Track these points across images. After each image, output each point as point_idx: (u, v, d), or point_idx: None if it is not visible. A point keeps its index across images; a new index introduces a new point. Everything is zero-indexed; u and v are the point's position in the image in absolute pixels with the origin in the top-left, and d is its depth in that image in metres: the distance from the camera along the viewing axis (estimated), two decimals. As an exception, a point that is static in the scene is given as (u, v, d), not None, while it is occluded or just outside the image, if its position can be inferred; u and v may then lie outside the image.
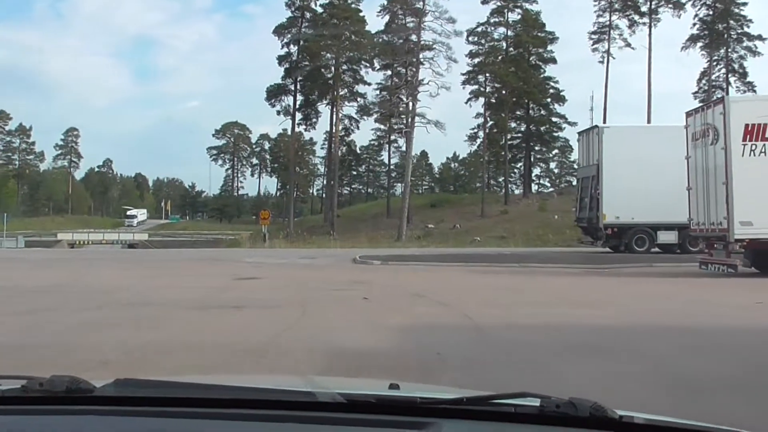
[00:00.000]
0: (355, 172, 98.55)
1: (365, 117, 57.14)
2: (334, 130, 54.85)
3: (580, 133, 28.40)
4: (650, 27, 52.79)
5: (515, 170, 68.89)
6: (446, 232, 48.67)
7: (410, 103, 47.95)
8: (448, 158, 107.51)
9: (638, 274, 18.97)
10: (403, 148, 61.71)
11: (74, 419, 1.42)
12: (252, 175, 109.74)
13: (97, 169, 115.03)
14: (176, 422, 1.40)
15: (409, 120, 47.83)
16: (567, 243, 39.54)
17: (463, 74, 55.05)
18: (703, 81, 55.21)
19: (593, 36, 56.67)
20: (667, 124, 23.41)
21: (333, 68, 54.60)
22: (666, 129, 22.50)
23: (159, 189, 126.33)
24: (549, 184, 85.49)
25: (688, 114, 18.06)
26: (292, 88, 54.79)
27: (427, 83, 46.21)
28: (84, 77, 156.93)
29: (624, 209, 24.13)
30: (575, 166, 40.49)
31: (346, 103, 56.56)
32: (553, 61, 59.29)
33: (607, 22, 55.15)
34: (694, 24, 54.47)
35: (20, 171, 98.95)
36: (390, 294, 12.93)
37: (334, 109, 54.41)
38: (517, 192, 66.90)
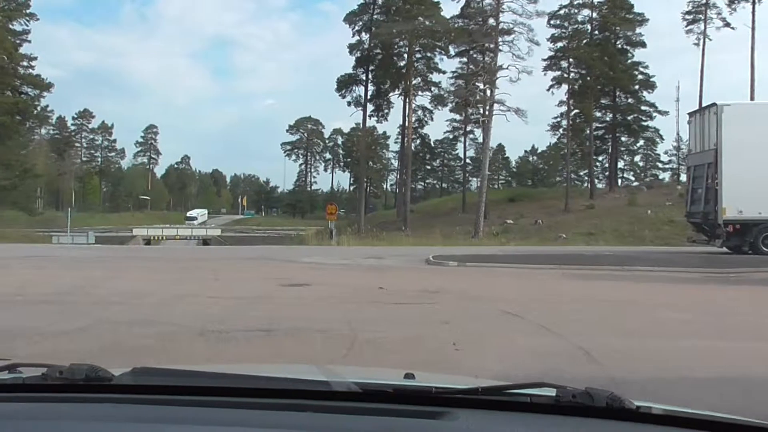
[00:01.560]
0: (429, 167, 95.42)
1: (440, 107, 53.86)
2: (406, 122, 51.67)
3: (691, 114, 24.16)
4: (754, 3, 47.37)
5: (597, 163, 64.02)
6: (527, 229, 44.88)
7: (488, 90, 44.28)
8: (525, 151, 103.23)
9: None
10: (480, 140, 58.13)
11: (93, 407, 1.43)
12: (325, 170, 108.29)
13: (175, 166, 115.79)
14: (193, 410, 1.40)
15: (487, 108, 44.16)
16: (665, 241, 35.33)
17: (545, 60, 51.00)
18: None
19: (687, 16, 51.70)
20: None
21: (406, 56, 51.44)
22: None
23: (236, 185, 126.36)
24: (633, 178, 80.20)
25: None
26: (364, 78, 51.94)
27: (507, 68, 42.48)
28: (165, 77, 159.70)
29: (748, 202, 20.06)
30: (664, 157, 36.06)
31: (420, 92, 53.39)
32: (642, 44, 54.22)
33: (704, 0, 50.05)
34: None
35: (103, 168, 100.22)
36: (473, 312, 9.67)
37: (407, 99, 51.25)
38: (600, 186, 62.15)
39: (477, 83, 47.20)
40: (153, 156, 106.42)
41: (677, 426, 1.38)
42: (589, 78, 51.63)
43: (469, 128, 57.47)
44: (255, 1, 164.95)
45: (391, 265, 18.96)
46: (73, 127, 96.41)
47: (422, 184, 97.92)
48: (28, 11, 44.39)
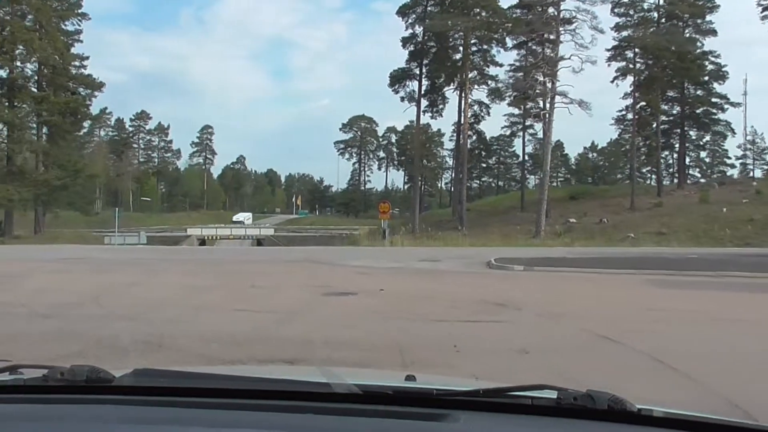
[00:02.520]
0: (484, 165, 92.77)
1: (497, 101, 51.30)
2: (462, 117, 49.37)
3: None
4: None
5: (663, 158, 60.41)
6: (591, 228, 42.17)
7: (549, 82, 41.70)
8: (585, 148, 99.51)
9: None
10: (539, 135, 55.52)
11: (94, 408, 1.43)
12: (379, 168, 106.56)
13: (231, 166, 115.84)
14: (193, 412, 1.39)
15: (548, 101, 41.62)
16: (745, 241, 32.36)
17: (608, 50, 48.02)
18: None
19: (763, 2, 47.94)
20: None
21: (461, 49, 49.16)
22: None
23: (290, 185, 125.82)
24: (699, 175, 75.97)
25: None
26: (417, 73, 49.86)
27: (569, 58, 39.86)
28: (221, 79, 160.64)
29: None
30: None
31: (476, 86, 50.98)
32: (713, 33, 50.65)
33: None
34: None
35: (160, 168, 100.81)
36: (556, 335, 7.61)
37: (463, 94, 48.96)
38: (664, 183, 58.65)
39: (537, 75, 44.60)
40: (209, 156, 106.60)
41: (679, 429, 1.35)
42: (656, 69, 48.41)
43: (528, 123, 54.84)
44: (310, 2, 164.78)
45: (448, 269, 16.98)
46: (130, 129, 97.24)
47: (478, 182, 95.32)
48: (79, 11, 43.90)
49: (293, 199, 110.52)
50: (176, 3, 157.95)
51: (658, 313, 9.27)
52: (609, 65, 48.49)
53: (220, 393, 1.46)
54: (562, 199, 52.82)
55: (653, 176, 66.59)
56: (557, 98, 40.48)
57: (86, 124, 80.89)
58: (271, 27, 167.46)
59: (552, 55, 42.32)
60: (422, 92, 50.06)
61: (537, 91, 45.03)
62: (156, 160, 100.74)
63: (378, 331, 7.78)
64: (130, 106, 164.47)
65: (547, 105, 42.70)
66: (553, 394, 1.39)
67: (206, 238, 64.70)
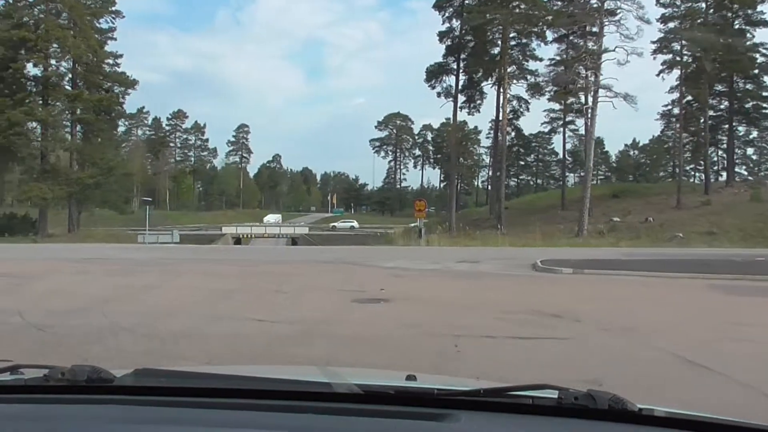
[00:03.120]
0: (522, 162, 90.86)
1: (537, 96, 49.51)
2: (500, 113, 47.73)
3: None
4: None
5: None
6: (636, 227, 40.29)
7: (592, 75, 39.90)
8: (626, 145, 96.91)
9: None
10: (580, 131, 53.62)
11: (95, 408, 1.42)
12: (414, 166, 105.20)
13: (267, 165, 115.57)
14: (194, 412, 1.38)
15: (591, 95, 39.84)
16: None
17: (653, 42, 45.98)
18: None
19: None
20: None
21: (500, 42, 47.55)
22: None
23: (326, 183, 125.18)
24: (746, 172, 73.01)
25: None
26: (454, 67, 48.40)
27: (614, 50, 38.04)
28: (258, 79, 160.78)
29: None
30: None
31: (514, 81, 49.29)
32: (764, 23, 48.15)
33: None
34: None
35: (196, 167, 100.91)
36: (629, 357, 6.18)
37: (501, 89, 47.32)
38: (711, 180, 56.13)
39: (579, 69, 42.78)
40: (245, 155, 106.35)
41: (680, 428, 1.34)
42: (704, 61, 46.15)
43: (568, 119, 52.91)
44: (345, 1, 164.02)
45: (489, 272, 15.63)
46: (167, 128, 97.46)
47: (516, 180, 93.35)
48: (113, 8, 43.47)
49: (328, 198, 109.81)
50: (213, 4, 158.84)
51: (744, 328, 7.83)
52: (654, 58, 46.52)
53: (221, 393, 1.44)
54: (604, 197, 50.82)
55: (696, 174, 64.17)
56: (601, 92, 38.72)
57: (123, 123, 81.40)
58: (306, 27, 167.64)
59: (595, 47, 40.56)
60: (459, 88, 48.63)
61: (579, 85, 43.29)
62: (192, 158, 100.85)
63: (413, 352, 6.49)
64: (167, 106, 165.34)
65: (590, 99, 40.92)
66: (554, 394, 1.37)
67: (241, 236, 64.16)
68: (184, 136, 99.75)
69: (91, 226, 47.66)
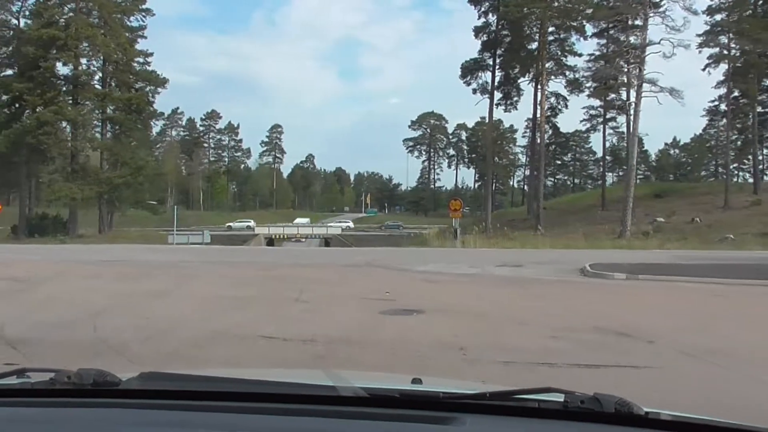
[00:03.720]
0: (559, 162, 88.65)
1: (576, 92, 47.63)
2: (539, 110, 45.93)
3: None
4: None
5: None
6: (682, 228, 38.30)
7: (635, 69, 37.91)
8: (666, 144, 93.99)
9: None
10: (621, 128, 51.62)
11: (101, 411, 1.42)
12: (449, 166, 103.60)
13: (300, 165, 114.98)
14: (200, 415, 1.37)
15: (635, 88, 37.84)
16: None
17: (699, 35, 43.71)
18: None
19: None
20: None
21: (537, 37, 45.79)
22: None
23: (359, 183, 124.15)
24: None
25: None
26: (490, 63, 46.79)
27: (659, 42, 36.04)
28: (292, 80, 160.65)
29: None
30: None
31: (552, 77, 47.44)
32: (817, 14, 45.68)
33: None
34: None
35: (230, 167, 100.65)
36: (746, 403, 4.70)
37: (539, 85, 45.52)
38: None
39: (621, 63, 40.78)
40: (278, 155, 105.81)
41: None
42: (753, 55, 43.78)
43: (609, 115, 50.82)
44: (379, 1, 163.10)
45: (534, 277, 14.12)
46: (201, 128, 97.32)
47: (552, 180, 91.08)
48: (143, 6, 42.79)
49: (362, 198, 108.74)
50: (249, 6, 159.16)
51: None
52: (700, 52, 44.20)
53: (226, 396, 1.44)
54: (646, 196, 48.67)
55: (741, 173, 61.45)
56: (645, 86, 36.72)
57: (155, 123, 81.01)
58: (340, 27, 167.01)
59: (638, 41, 38.60)
60: (495, 84, 47.03)
61: (621, 80, 41.34)
62: (226, 159, 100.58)
63: (452, 376, 5.14)
64: (202, 108, 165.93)
65: (633, 95, 38.96)
66: (560, 398, 1.35)
67: (273, 237, 63.30)
68: (218, 137, 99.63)
69: (124, 226, 47.16)
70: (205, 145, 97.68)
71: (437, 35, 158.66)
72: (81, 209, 39.13)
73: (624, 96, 43.14)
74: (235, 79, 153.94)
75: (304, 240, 61.52)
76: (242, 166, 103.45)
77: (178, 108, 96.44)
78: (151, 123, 53.38)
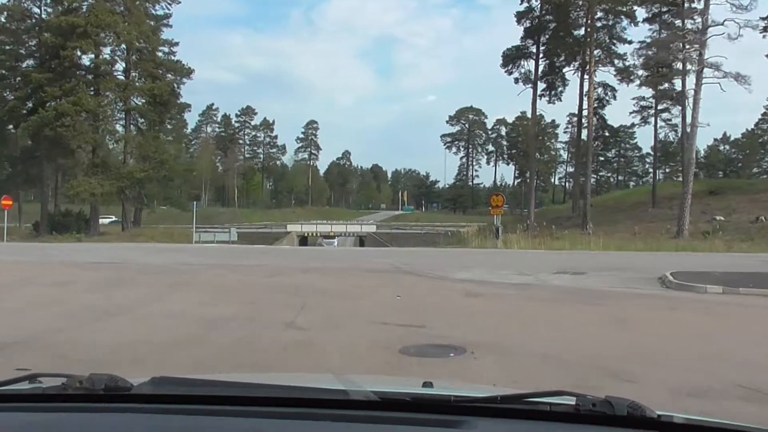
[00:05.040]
0: (602, 158, 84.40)
1: (626, 82, 43.91)
2: (587, 100, 42.41)
3: None
4: None
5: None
6: (745, 227, 34.48)
7: (695, 53, 34.21)
8: (715, 140, 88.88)
9: None
10: (673, 121, 47.68)
11: (112, 416, 1.40)
12: (488, 163, 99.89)
13: (336, 162, 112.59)
14: (212, 420, 1.36)
15: (695, 74, 34.16)
16: None
17: (763, 18, 39.70)
18: None
19: None
20: None
21: (584, 23, 42.30)
22: None
23: (396, 180, 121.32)
24: None
25: None
26: (533, 51, 43.45)
27: (723, 23, 32.36)
28: (329, 78, 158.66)
29: None
30: None
31: (600, 66, 43.83)
32: None
33: None
34: None
35: (265, 164, 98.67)
36: None
37: (588, 74, 41.98)
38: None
39: (677, 48, 37.09)
40: (313, 152, 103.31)
41: None
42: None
43: (662, 105, 46.90)
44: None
45: (603, 289, 11.06)
46: (236, 125, 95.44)
47: (594, 176, 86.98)
48: (169, -7, 40.47)
49: (399, 195, 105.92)
50: (286, 5, 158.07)
51: None
52: (764, 36, 40.23)
53: (237, 401, 1.42)
54: (700, 193, 44.51)
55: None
56: (706, 71, 33.03)
57: (193, 119, 79.31)
58: (377, 25, 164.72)
59: (695, 26, 34.98)
60: (539, 74, 43.65)
61: (677, 67, 37.71)
62: (261, 155, 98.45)
63: None
64: (238, 105, 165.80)
65: (691, 81, 35.31)
66: (572, 401, 1.34)
67: (306, 234, 60.84)
68: (253, 133, 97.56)
69: (153, 223, 45.06)
70: (240, 141, 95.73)
71: (475, 32, 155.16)
72: (102, 205, 36.94)
73: (679, 85, 39.54)
74: (271, 77, 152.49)
75: (336, 238, 58.92)
76: (277, 162, 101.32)
77: (213, 104, 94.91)
78: (181, 116, 51.26)
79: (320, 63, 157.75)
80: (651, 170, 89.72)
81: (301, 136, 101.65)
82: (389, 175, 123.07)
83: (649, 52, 41.15)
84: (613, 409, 1.27)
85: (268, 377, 2.23)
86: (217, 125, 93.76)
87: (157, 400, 1.43)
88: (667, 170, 78.09)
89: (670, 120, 49.03)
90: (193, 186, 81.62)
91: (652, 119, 49.18)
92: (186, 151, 77.47)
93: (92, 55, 36.86)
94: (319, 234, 61.77)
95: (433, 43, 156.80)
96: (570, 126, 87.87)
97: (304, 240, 59.70)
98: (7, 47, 40.08)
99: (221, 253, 21.01)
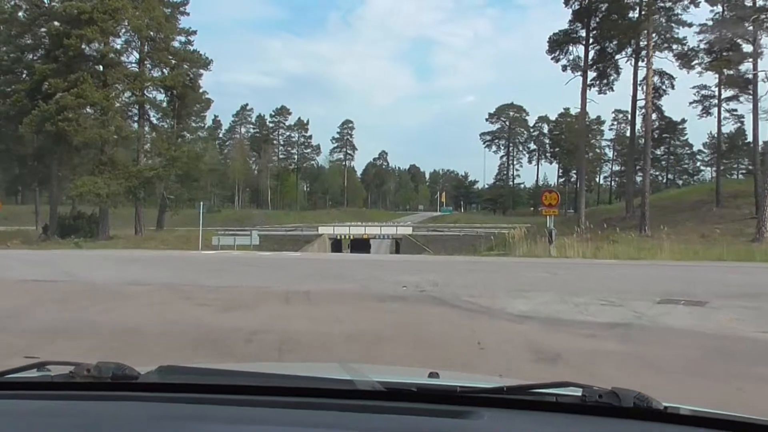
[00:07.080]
0: (651, 156, 78.45)
1: (687, 69, 38.69)
2: (645, 88, 37.39)
3: None
4: None
5: None
6: (835, 229, 29.23)
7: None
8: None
9: None
10: (739, 111, 42.37)
11: (119, 405, 1.40)
12: (529, 162, 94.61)
13: (373, 162, 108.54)
14: (218, 409, 1.35)
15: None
16: None
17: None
18: None
19: None
20: None
21: (640, 5, 37.34)
22: None
23: (435, 181, 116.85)
24: None
25: None
26: (583, 35, 38.65)
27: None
28: (366, 79, 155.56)
29: None
30: None
31: (657, 53, 38.72)
32: None
33: None
34: None
35: (299, 165, 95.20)
36: None
37: (645, 60, 36.98)
38: None
39: (748, 27, 31.97)
40: (349, 152, 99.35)
41: (705, 426, 1.29)
42: None
43: (726, 94, 41.50)
44: (454, 0, 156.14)
45: (756, 337, 6.54)
46: (270, 125, 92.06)
47: (640, 175, 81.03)
48: (184, -21, 36.79)
49: (437, 196, 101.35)
50: (324, 8, 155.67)
51: None
52: None
53: (244, 390, 1.42)
54: (765, 191, 39.29)
55: None
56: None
57: (227, 119, 75.90)
58: (415, 26, 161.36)
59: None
60: (588, 61, 38.82)
61: (748, 49, 32.56)
62: (296, 156, 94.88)
63: None
64: (273, 107, 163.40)
65: (763, 64, 30.20)
66: (578, 392, 1.33)
67: (339, 237, 56.66)
68: (287, 134, 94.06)
69: (178, 226, 41.56)
70: (275, 142, 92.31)
71: (512, 32, 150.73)
72: (111, 207, 33.34)
73: (745, 71, 34.44)
74: (309, 79, 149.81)
75: (371, 241, 54.63)
76: (312, 163, 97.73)
77: (247, 104, 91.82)
78: (203, 113, 47.67)
79: (357, 65, 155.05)
80: (702, 168, 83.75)
81: (336, 136, 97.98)
82: (427, 175, 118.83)
83: (715, 35, 36.03)
84: (619, 401, 1.25)
85: (275, 367, 2.17)
86: (251, 126, 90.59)
87: (164, 389, 1.42)
88: (723, 166, 71.92)
89: (736, 110, 43.62)
90: (226, 187, 78.47)
91: (714, 110, 43.69)
92: (220, 153, 74.19)
93: (99, 44, 33.32)
94: (351, 236, 57.69)
95: (471, 43, 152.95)
96: (615, 123, 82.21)
97: (336, 243, 55.67)
98: (18, 40, 36.98)
99: (201, 266, 16.73)
